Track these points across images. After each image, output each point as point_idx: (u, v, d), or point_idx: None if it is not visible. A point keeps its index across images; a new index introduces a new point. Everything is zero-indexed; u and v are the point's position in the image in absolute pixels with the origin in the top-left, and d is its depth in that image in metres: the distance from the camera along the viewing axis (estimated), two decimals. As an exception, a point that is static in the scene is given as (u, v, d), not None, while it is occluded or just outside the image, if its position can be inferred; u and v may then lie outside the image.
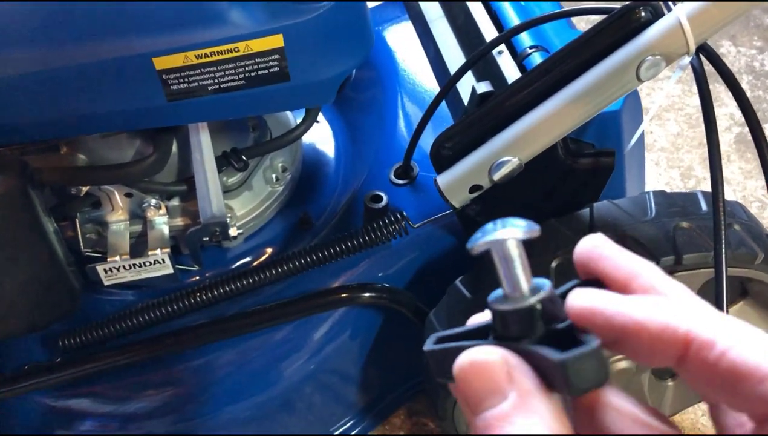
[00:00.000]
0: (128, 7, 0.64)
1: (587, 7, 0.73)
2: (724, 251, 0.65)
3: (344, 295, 0.87)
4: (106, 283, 0.85)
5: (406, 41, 1.10)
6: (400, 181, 0.94)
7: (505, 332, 0.27)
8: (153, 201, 0.86)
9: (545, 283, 0.27)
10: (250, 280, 0.84)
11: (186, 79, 0.67)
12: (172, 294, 0.84)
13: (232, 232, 0.87)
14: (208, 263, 0.92)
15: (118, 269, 0.84)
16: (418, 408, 1.09)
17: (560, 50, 0.65)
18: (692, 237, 0.73)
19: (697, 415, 1.07)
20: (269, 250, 0.94)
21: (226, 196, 0.90)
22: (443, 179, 0.74)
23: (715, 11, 0.59)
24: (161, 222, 0.87)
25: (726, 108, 1.47)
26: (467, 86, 0.77)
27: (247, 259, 0.93)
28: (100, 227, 0.88)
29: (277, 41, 0.66)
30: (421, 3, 0.94)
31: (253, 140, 0.91)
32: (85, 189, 0.83)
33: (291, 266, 0.84)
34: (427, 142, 0.78)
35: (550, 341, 0.26)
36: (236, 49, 0.66)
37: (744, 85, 1.48)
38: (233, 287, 0.83)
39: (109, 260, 0.83)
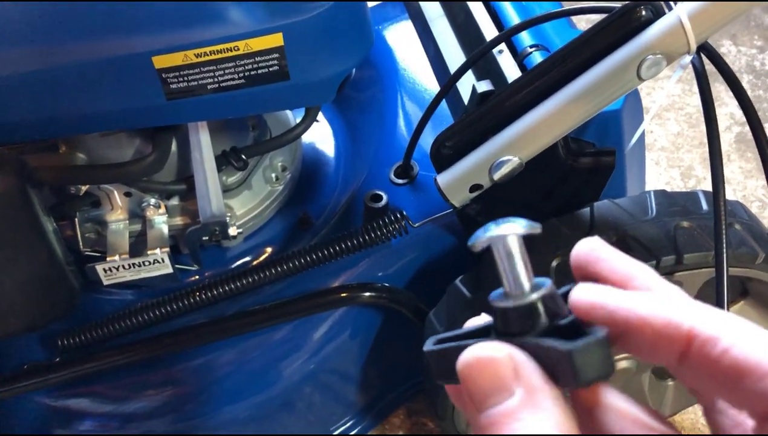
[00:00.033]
0: (127, 6, 0.64)
1: (588, 6, 0.73)
2: (725, 250, 0.65)
3: (344, 294, 0.87)
4: (105, 282, 0.85)
5: (406, 40, 1.10)
6: (400, 181, 0.94)
7: (507, 329, 0.27)
8: (152, 200, 0.86)
9: (546, 280, 0.27)
10: (250, 279, 0.83)
11: (185, 78, 0.67)
12: (171, 294, 0.84)
13: (232, 231, 0.87)
14: (207, 262, 0.92)
15: (117, 269, 0.84)
16: (417, 408, 1.09)
17: (561, 49, 0.65)
18: (693, 236, 0.72)
19: (697, 415, 1.07)
20: (269, 249, 0.94)
21: (226, 196, 0.90)
22: (443, 178, 0.73)
23: (715, 10, 0.59)
24: (160, 221, 0.87)
25: (726, 107, 1.47)
26: (467, 85, 0.77)
27: (247, 258, 0.93)
28: (100, 227, 0.88)
29: (276, 40, 0.66)
30: (421, 2, 0.94)
31: (252, 139, 0.91)
32: (84, 188, 0.82)
33: (290, 265, 0.83)
34: (427, 141, 0.78)
35: (552, 337, 0.26)
36: (236, 48, 0.66)
37: (744, 85, 1.47)
38: (233, 286, 0.83)
39: (108, 259, 0.83)
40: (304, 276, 0.86)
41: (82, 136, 0.80)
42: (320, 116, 1.04)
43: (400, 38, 1.12)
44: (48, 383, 0.83)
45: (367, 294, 0.87)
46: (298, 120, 0.88)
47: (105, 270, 0.83)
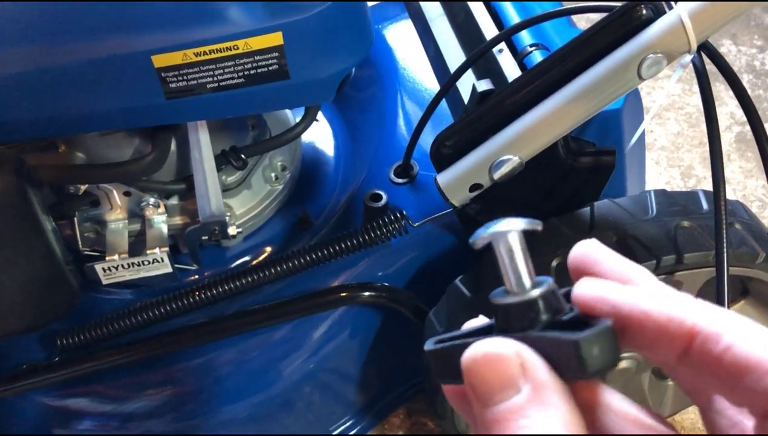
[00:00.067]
0: (127, 5, 0.63)
1: (588, 5, 0.73)
2: (725, 250, 0.65)
3: (344, 294, 0.87)
4: (104, 282, 0.85)
5: (406, 40, 1.09)
6: (400, 180, 0.93)
7: (509, 326, 0.27)
8: (152, 200, 0.86)
9: (547, 278, 0.27)
10: (249, 279, 0.83)
11: (185, 77, 0.67)
12: (170, 293, 0.83)
13: (231, 231, 0.87)
14: (206, 261, 0.92)
15: (116, 268, 0.84)
16: (417, 408, 1.09)
17: (561, 48, 0.65)
18: (693, 236, 0.72)
19: (698, 415, 1.07)
20: (268, 249, 0.94)
21: (225, 195, 0.90)
22: (443, 178, 0.73)
23: (716, 9, 0.59)
24: (160, 221, 0.87)
25: (726, 107, 1.46)
26: (467, 85, 0.77)
27: (246, 258, 0.93)
28: (99, 226, 0.88)
29: (276, 39, 0.66)
30: (421, 2, 0.94)
31: (252, 139, 0.91)
32: (83, 188, 0.82)
33: (290, 265, 0.83)
34: (427, 140, 0.78)
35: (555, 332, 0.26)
36: (235, 47, 0.66)
37: (744, 84, 1.47)
38: (232, 286, 0.83)
39: (107, 258, 0.83)
40: (304, 276, 0.86)
41: (81, 135, 0.79)
42: (320, 116, 1.04)
43: (400, 37, 1.11)
44: (47, 383, 0.83)
45: (367, 294, 0.87)
46: (298, 119, 0.88)
47: (104, 269, 0.83)
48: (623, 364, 0.85)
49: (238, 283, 0.83)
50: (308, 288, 0.87)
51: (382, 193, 0.87)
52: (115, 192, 0.84)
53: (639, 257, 0.71)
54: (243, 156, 0.86)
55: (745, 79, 1.51)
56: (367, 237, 0.83)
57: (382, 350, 0.96)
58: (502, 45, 0.80)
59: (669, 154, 1.42)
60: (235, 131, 0.89)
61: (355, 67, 0.76)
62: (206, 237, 0.88)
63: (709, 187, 0.67)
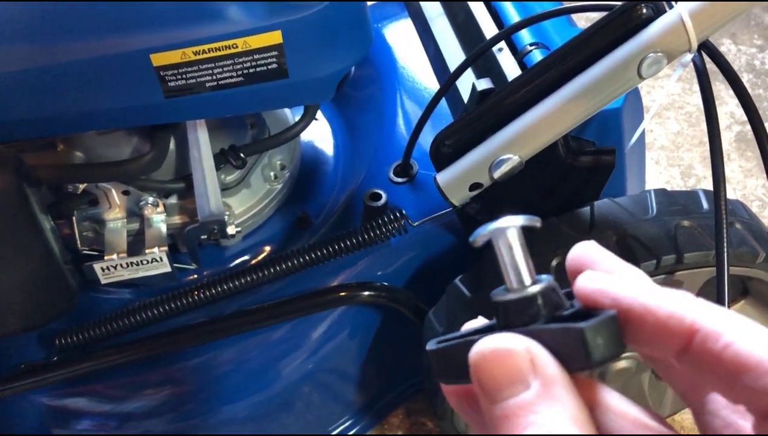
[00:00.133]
0: (126, 4, 0.63)
1: (588, 4, 0.73)
2: (725, 249, 0.64)
3: (343, 294, 0.87)
4: (103, 281, 0.84)
5: (406, 39, 1.09)
6: (400, 180, 0.93)
7: (510, 324, 0.27)
8: (150, 199, 0.86)
9: (547, 276, 0.27)
10: (248, 278, 0.83)
11: (184, 76, 0.67)
12: (169, 293, 0.83)
13: (230, 230, 0.87)
14: (205, 261, 0.92)
15: (115, 268, 0.83)
16: (416, 408, 1.08)
17: (561, 47, 0.65)
18: (693, 236, 0.72)
19: (697, 414, 1.06)
20: (267, 248, 0.93)
21: (224, 194, 0.90)
22: (443, 177, 0.73)
23: (716, 8, 0.59)
24: (159, 220, 0.87)
25: (726, 106, 1.46)
26: (467, 84, 0.77)
27: (245, 257, 0.93)
28: (97, 225, 0.87)
29: (275, 38, 0.66)
30: (421, 1, 0.93)
31: (251, 138, 0.91)
32: (82, 187, 0.82)
33: (289, 264, 0.83)
34: (426, 140, 0.78)
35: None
36: (234, 46, 0.66)
37: (744, 84, 1.47)
38: (231, 285, 0.83)
39: (106, 258, 0.83)
40: (303, 275, 0.86)
41: (79, 134, 0.79)
42: (319, 115, 1.04)
43: (400, 37, 1.11)
44: (46, 383, 0.83)
45: (366, 293, 0.87)
46: (297, 118, 0.88)
47: (103, 269, 0.83)
48: (623, 364, 0.85)
49: (237, 282, 0.83)
50: (307, 288, 0.86)
51: (381, 192, 0.87)
52: (113, 191, 0.84)
53: (639, 256, 0.70)
54: (242, 155, 0.86)
55: (745, 79, 1.51)
56: (366, 236, 0.83)
57: (381, 350, 0.96)
58: (502, 44, 0.80)
59: (669, 154, 1.42)
60: (234, 130, 0.88)
61: (355, 66, 0.76)
62: (205, 236, 0.87)
63: (709, 186, 0.67)
